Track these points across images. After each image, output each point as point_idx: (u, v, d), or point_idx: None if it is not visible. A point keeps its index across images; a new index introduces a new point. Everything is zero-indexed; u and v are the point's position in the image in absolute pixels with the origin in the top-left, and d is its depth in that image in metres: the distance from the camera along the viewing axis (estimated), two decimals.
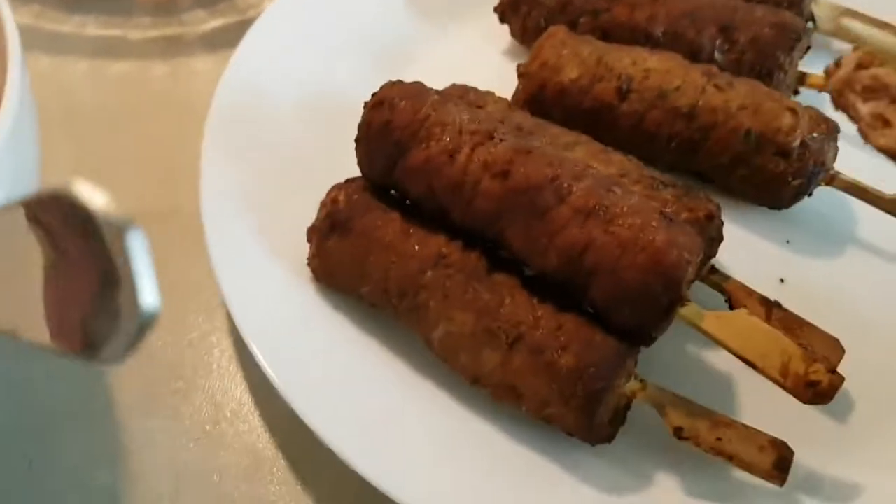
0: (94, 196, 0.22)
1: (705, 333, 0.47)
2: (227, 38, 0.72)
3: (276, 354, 0.50)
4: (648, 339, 0.47)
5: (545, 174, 0.48)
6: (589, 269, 0.47)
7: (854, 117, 0.38)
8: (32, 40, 0.70)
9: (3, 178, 0.37)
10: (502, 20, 0.69)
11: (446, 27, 0.72)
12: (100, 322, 0.24)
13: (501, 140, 0.50)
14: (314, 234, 0.54)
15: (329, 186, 0.55)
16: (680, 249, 0.45)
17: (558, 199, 0.47)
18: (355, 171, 0.55)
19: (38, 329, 0.28)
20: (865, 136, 0.38)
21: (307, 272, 0.55)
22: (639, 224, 0.46)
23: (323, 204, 0.54)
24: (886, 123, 0.37)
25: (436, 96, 0.52)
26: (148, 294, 0.22)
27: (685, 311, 0.46)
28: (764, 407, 0.50)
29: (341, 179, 0.56)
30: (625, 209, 0.47)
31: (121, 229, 0.22)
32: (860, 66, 0.38)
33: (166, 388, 0.54)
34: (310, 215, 0.55)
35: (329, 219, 0.53)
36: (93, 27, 0.72)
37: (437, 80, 0.66)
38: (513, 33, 0.70)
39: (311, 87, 0.66)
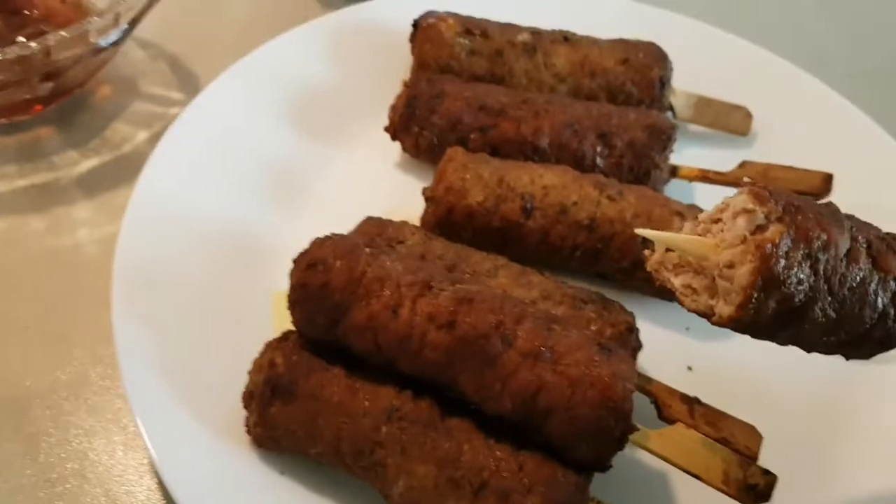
0: None
1: (653, 453, 0.51)
2: (105, 180, 0.68)
3: None
4: (604, 467, 0.50)
5: (490, 322, 0.49)
6: (543, 409, 0.49)
7: (670, 288, 0.45)
8: None
9: None
10: (394, 138, 0.71)
11: (339, 146, 0.72)
12: None
13: (441, 290, 0.51)
14: (253, 400, 0.52)
15: (250, 338, 0.54)
16: (623, 381, 0.48)
17: (506, 344, 0.49)
18: (267, 311, 0.54)
19: None
20: (681, 302, 0.44)
21: (244, 435, 0.53)
22: (584, 360, 0.49)
23: (259, 367, 0.53)
24: (693, 291, 0.44)
25: (367, 250, 0.52)
26: None
27: (634, 436, 0.50)
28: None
29: (256, 320, 0.55)
30: (568, 347, 0.50)
31: None
32: (669, 249, 0.44)
33: None
34: (236, 368, 0.53)
35: (269, 384, 0.51)
36: None
37: (341, 200, 0.67)
38: (405, 149, 0.71)
39: (211, 227, 0.64)
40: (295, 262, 0.52)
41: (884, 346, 0.46)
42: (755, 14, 0.94)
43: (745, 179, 0.68)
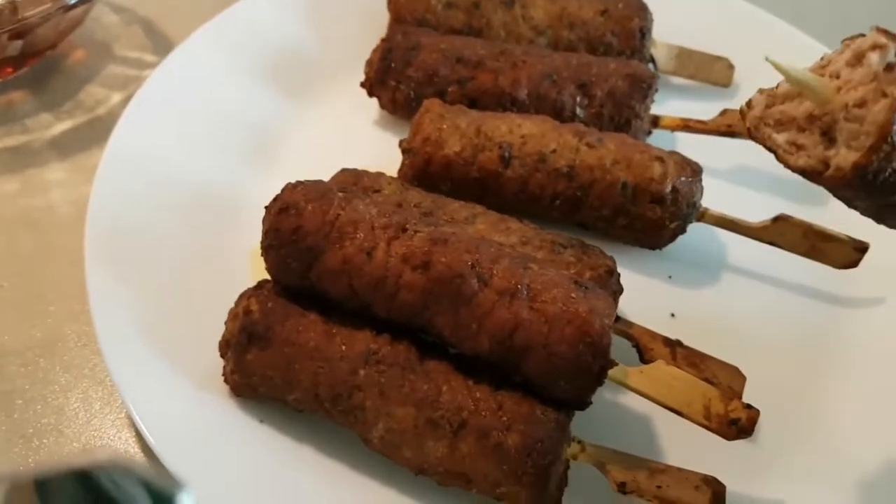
0: (146, 466, 0.21)
1: (633, 390, 0.50)
2: (79, 142, 0.67)
3: (197, 477, 0.48)
4: (583, 405, 0.49)
5: (465, 261, 0.49)
6: (520, 347, 0.48)
7: (771, 147, 0.43)
8: None
9: None
10: (370, 94, 0.70)
11: (314, 103, 0.71)
12: None
13: (416, 232, 0.50)
14: (228, 348, 0.52)
15: (227, 292, 0.53)
16: (601, 317, 0.48)
17: (482, 283, 0.49)
18: (243, 267, 0.54)
19: None
20: (785, 162, 0.43)
21: (222, 386, 0.53)
22: (560, 297, 0.48)
23: (234, 315, 0.52)
24: (800, 147, 0.42)
25: (340, 194, 0.51)
26: None
27: (612, 372, 0.49)
28: (687, 443, 0.53)
29: (232, 276, 0.54)
30: (544, 285, 0.49)
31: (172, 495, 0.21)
32: (768, 105, 0.43)
33: None
34: (212, 322, 0.53)
35: (245, 331, 0.51)
36: None
37: (316, 157, 0.66)
38: (382, 105, 0.71)
39: (185, 185, 0.63)
40: (267, 207, 0.52)
41: None
42: None
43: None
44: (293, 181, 0.53)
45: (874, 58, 0.39)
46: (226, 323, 0.53)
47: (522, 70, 0.68)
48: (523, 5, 0.73)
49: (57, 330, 0.57)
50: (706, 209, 0.64)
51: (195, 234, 0.60)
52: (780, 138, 0.43)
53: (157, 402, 0.51)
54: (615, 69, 0.69)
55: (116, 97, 0.71)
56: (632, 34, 0.73)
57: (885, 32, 0.40)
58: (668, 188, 0.62)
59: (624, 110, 0.68)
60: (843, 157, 0.39)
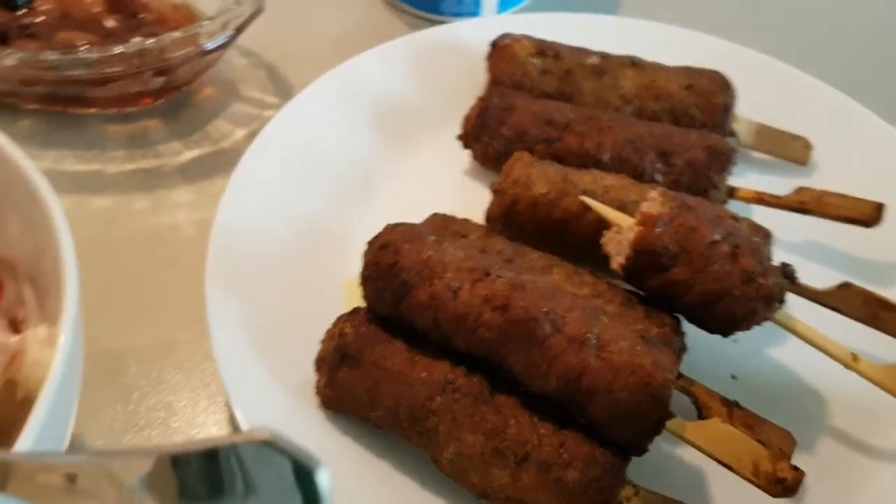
0: (290, 442, 0.26)
1: (688, 442, 0.54)
2: (204, 169, 0.76)
3: None
4: (641, 451, 0.53)
5: (540, 307, 0.54)
6: (585, 391, 0.53)
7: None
8: None
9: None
10: (465, 146, 0.76)
11: (414, 151, 0.78)
12: None
13: (498, 277, 0.55)
14: (323, 365, 0.58)
15: (324, 315, 0.60)
16: (663, 371, 0.52)
17: (554, 329, 0.53)
18: (339, 294, 0.60)
19: None
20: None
21: (314, 398, 0.59)
22: (627, 349, 0.53)
23: (330, 336, 0.58)
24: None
25: (433, 238, 0.57)
26: None
27: (671, 423, 0.53)
28: (734, 497, 0.57)
29: (329, 301, 0.61)
30: (612, 336, 0.54)
31: (311, 468, 0.26)
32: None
33: None
34: (311, 342, 0.59)
35: (339, 351, 0.57)
36: (70, 162, 0.75)
37: (412, 199, 0.72)
38: (475, 157, 0.77)
39: (295, 217, 0.70)
40: (369, 243, 0.58)
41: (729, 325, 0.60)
42: (815, 49, 0.97)
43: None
44: (392, 222, 0.59)
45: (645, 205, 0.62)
46: (322, 342, 0.59)
47: (607, 135, 0.73)
48: (613, 76, 0.79)
49: (174, 334, 0.64)
50: None
51: (301, 261, 0.67)
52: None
53: (257, 407, 0.57)
54: (696, 141, 0.74)
55: (240, 133, 0.79)
56: (715, 109, 0.78)
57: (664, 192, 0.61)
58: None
59: (702, 180, 0.72)
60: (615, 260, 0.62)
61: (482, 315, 0.55)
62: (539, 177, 0.68)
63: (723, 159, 0.73)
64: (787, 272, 0.65)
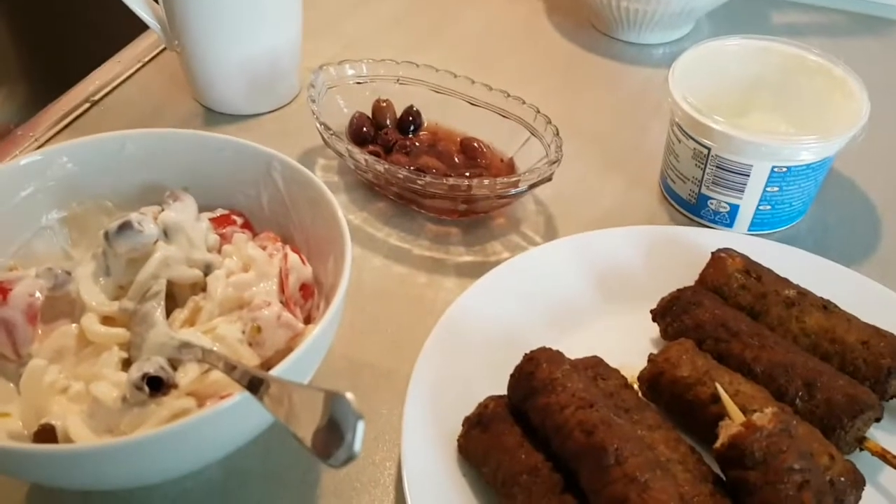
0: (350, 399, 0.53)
1: None
2: (472, 270, 1.06)
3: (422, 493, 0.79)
4: None
5: (615, 443, 0.73)
6: None
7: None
8: (354, 234, 1.08)
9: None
10: (653, 320, 0.96)
11: (618, 310, 1.00)
12: (331, 446, 0.55)
13: (597, 411, 0.76)
14: (467, 422, 0.83)
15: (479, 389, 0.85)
16: None
17: (616, 462, 0.73)
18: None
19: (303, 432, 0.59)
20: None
21: (454, 444, 0.84)
22: (664, 500, 0.70)
23: (479, 405, 0.84)
24: None
25: (567, 365, 0.80)
26: (357, 444, 0.53)
27: None
28: None
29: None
30: (662, 486, 0.71)
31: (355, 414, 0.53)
32: None
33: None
34: (470, 406, 0.84)
35: (478, 416, 0.82)
36: (393, 238, 1.10)
37: (594, 344, 0.93)
38: (660, 332, 0.96)
39: (500, 333, 0.95)
40: (525, 355, 0.82)
41: None
42: None
43: None
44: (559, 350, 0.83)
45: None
46: (475, 408, 0.84)
47: (767, 352, 0.88)
48: (802, 310, 0.93)
49: (385, 366, 0.94)
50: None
51: (497, 359, 0.93)
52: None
53: (420, 445, 0.83)
54: (843, 385, 0.85)
55: (506, 255, 1.08)
56: (879, 370, 0.88)
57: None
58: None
59: (833, 419, 0.83)
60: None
61: (573, 432, 0.75)
62: (687, 363, 0.87)
63: (857, 409, 0.83)
64: None
